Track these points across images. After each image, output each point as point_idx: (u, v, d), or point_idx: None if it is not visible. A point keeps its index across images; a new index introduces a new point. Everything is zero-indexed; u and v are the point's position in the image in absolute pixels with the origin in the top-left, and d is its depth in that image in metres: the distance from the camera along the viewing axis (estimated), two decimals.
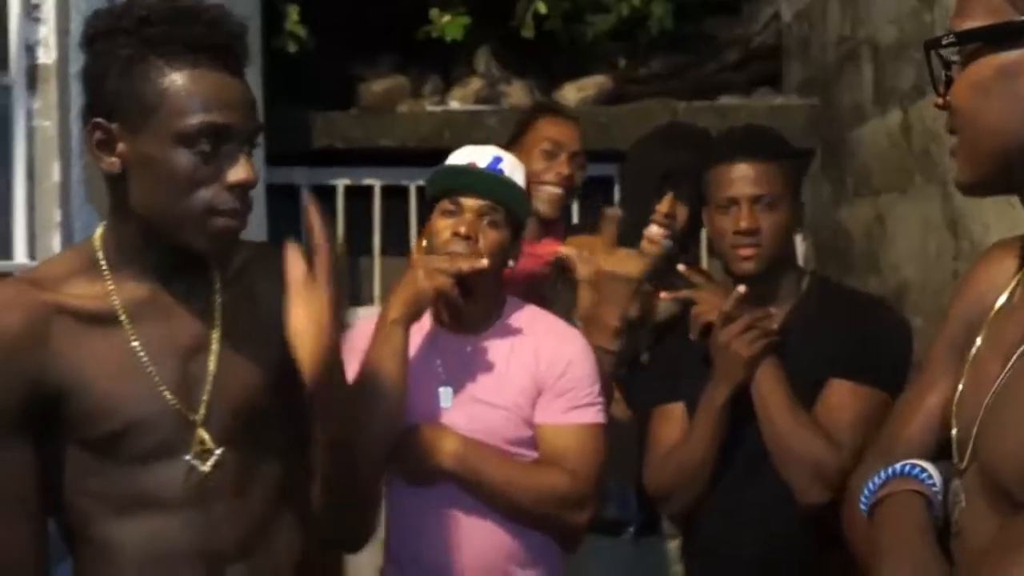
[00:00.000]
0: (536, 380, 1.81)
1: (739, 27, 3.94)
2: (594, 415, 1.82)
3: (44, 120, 1.92)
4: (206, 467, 1.31)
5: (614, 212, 2.04)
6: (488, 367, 1.82)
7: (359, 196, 3.68)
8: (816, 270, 2.73)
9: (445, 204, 1.75)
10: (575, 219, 3.07)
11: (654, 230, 2.08)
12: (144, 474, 1.30)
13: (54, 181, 1.91)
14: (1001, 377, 1.04)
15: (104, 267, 1.30)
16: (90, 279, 1.30)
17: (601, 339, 1.99)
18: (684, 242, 2.20)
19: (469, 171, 1.76)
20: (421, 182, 3.02)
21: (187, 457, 1.30)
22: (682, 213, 2.10)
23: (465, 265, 1.70)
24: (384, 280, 3.61)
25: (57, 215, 1.91)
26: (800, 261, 2.64)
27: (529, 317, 1.88)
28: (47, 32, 1.96)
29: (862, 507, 1.18)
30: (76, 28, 1.94)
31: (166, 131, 1.21)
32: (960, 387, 1.11)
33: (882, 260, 2.97)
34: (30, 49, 1.97)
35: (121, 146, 1.24)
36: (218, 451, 1.31)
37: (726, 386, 1.80)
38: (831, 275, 2.72)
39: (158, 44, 1.21)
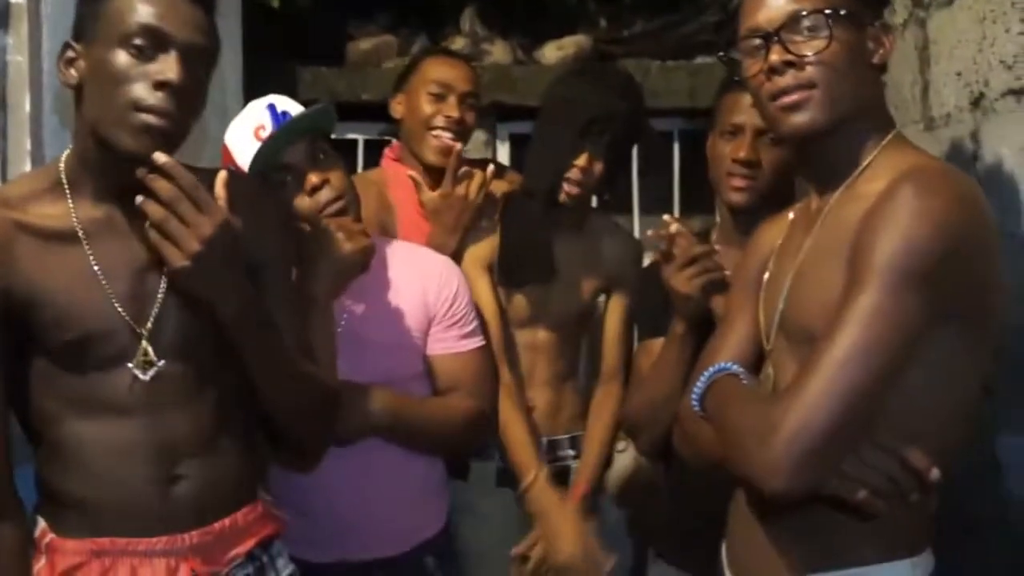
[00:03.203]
0: (427, 312, 1.84)
1: None
2: (480, 339, 1.92)
3: (17, 56, 2.04)
4: (146, 377, 1.42)
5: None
6: (373, 308, 1.82)
7: (342, 150, 3.76)
8: None
9: (289, 183, 1.72)
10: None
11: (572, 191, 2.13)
12: (98, 380, 1.41)
13: (25, 112, 2.04)
14: (791, 271, 1.39)
15: (66, 187, 1.42)
16: (53, 198, 1.41)
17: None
18: (600, 189, 2.23)
19: (281, 138, 1.71)
20: None
21: (130, 366, 1.41)
22: (598, 166, 2.13)
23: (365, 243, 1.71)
24: None
25: (27, 143, 2.04)
26: None
27: (404, 252, 1.91)
28: None
29: (694, 405, 1.46)
30: None
31: (111, 34, 1.34)
32: (761, 302, 1.46)
33: None
34: None
35: (80, 61, 1.37)
36: (160, 363, 1.42)
37: (679, 321, 1.83)
38: None
39: None
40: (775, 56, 1.34)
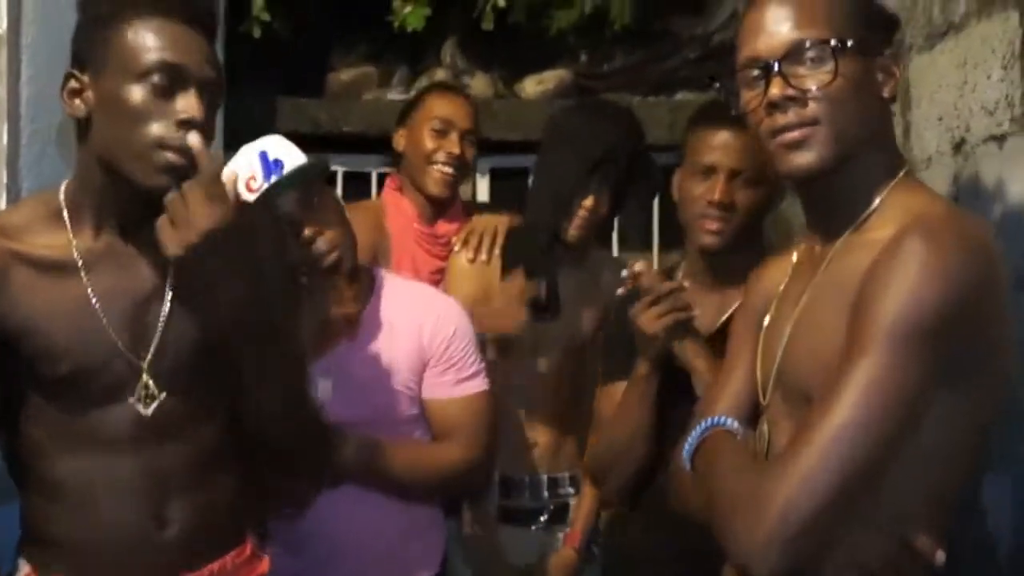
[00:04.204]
0: (422, 355, 1.80)
1: (700, 25, 4.02)
2: (480, 383, 1.86)
3: None
4: (148, 411, 1.39)
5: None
6: (369, 349, 1.79)
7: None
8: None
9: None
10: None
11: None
12: (92, 415, 1.38)
13: (2, 144, 2.01)
14: (791, 320, 1.30)
15: (66, 216, 1.39)
16: (51, 228, 1.39)
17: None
18: (605, 225, 2.24)
19: (271, 193, 1.64)
20: (384, 169, 3.09)
21: (131, 400, 1.38)
22: (604, 206, 2.13)
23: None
24: None
25: (3, 176, 2.01)
26: None
27: (405, 289, 1.87)
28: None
29: (685, 460, 1.38)
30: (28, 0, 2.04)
31: (125, 68, 1.31)
32: (760, 351, 1.37)
33: None
34: None
35: (88, 92, 1.34)
36: (161, 396, 1.39)
37: (644, 362, 1.76)
38: None
39: (131, 3, 1.33)
40: (775, 90, 1.24)
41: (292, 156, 1.64)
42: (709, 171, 1.79)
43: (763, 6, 1.29)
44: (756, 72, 1.27)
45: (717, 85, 1.41)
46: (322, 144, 3.73)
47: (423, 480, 1.81)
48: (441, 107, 2.40)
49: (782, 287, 1.40)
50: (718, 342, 1.83)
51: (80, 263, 1.38)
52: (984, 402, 1.21)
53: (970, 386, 1.17)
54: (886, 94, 1.29)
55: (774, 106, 1.24)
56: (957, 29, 1.99)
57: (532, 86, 3.74)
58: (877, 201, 1.27)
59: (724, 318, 1.87)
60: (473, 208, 2.51)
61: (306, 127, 3.59)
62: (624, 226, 3.69)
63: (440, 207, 2.40)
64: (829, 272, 1.28)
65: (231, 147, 2.18)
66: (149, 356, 1.39)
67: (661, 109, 3.53)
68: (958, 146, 2.02)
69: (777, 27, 1.26)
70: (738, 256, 1.81)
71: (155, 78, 1.30)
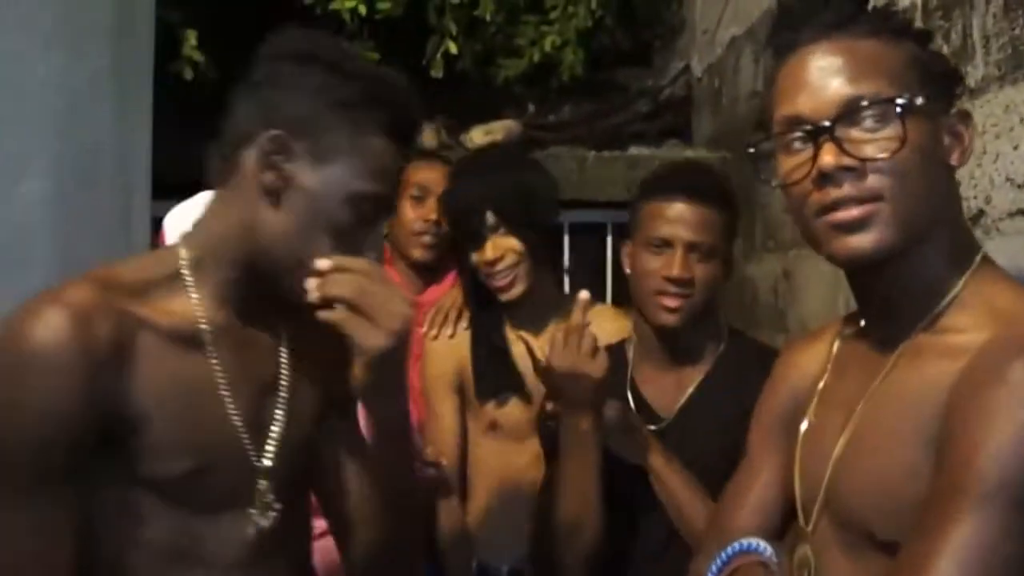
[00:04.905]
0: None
1: (650, 78, 3.93)
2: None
3: None
4: (265, 524, 1.16)
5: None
6: None
7: None
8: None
9: None
10: None
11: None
12: (204, 526, 1.13)
13: None
14: (845, 434, 1.08)
15: (189, 283, 1.15)
16: (171, 293, 1.14)
17: None
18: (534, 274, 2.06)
19: None
20: None
21: (252, 511, 1.16)
22: (511, 251, 2.00)
23: None
24: None
25: None
26: None
27: None
28: None
29: None
30: None
31: (345, 180, 1.14)
32: (797, 460, 1.16)
33: (790, 316, 2.93)
34: None
35: (291, 167, 1.13)
36: (278, 506, 1.17)
37: (582, 417, 1.57)
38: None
39: (362, 106, 1.15)
40: (828, 158, 1.01)
41: None
42: (664, 244, 1.68)
43: (806, 56, 1.06)
44: (799, 135, 1.05)
45: (749, 148, 1.19)
46: None
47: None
48: (419, 173, 2.42)
49: (821, 384, 1.19)
50: (676, 430, 1.72)
51: (207, 336, 1.14)
52: None
53: None
54: (954, 162, 1.07)
55: (826, 178, 1.02)
56: (976, 94, 1.87)
57: (479, 136, 3.57)
58: (952, 294, 1.06)
59: (683, 401, 1.74)
60: None
61: None
62: (574, 288, 3.53)
63: (428, 275, 2.41)
64: (894, 380, 1.07)
65: (161, 193, 1.98)
66: (269, 456, 1.17)
67: (618, 164, 3.39)
68: (975, 219, 1.89)
69: (827, 81, 1.04)
70: (694, 333, 1.72)
71: (366, 209, 1.16)
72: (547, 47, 3.59)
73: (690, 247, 1.66)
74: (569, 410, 1.57)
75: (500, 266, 2.00)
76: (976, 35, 1.86)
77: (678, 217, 1.67)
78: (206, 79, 3.04)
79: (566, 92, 3.78)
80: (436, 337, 2.17)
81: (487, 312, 2.10)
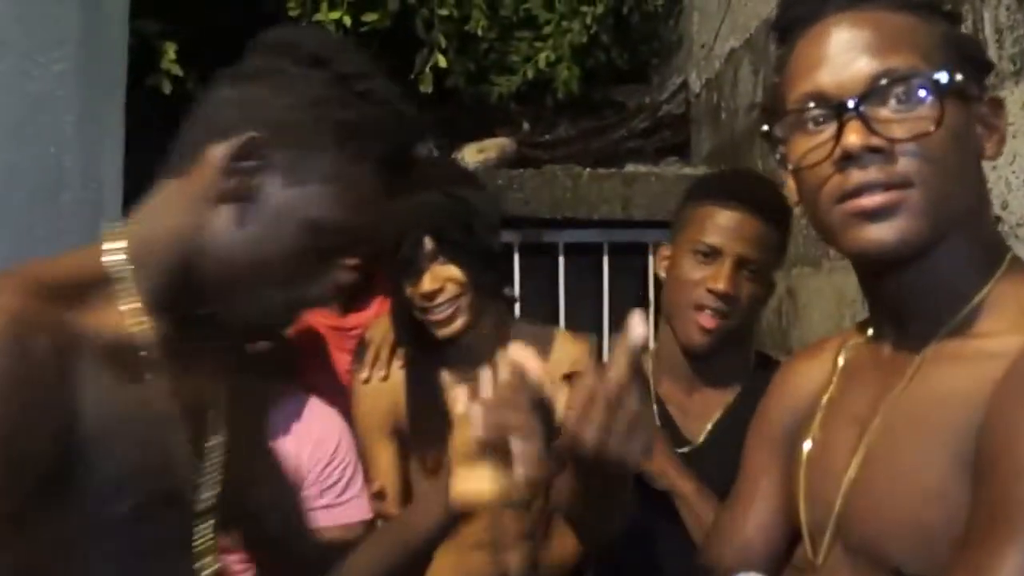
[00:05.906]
0: (298, 473, 1.58)
1: (647, 95, 3.84)
2: (364, 509, 1.71)
3: None
4: (214, 566, 1.04)
5: None
6: None
7: None
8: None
9: None
10: None
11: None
12: (151, 571, 0.99)
13: None
14: (858, 453, 0.99)
15: (125, 287, 0.99)
16: (106, 302, 0.98)
17: None
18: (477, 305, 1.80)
19: None
20: None
21: (197, 551, 1.03)
22: (452, 282, 1.74)
23: None
24: None
25: None
26: None
27: (299, 401, 1.74)
28: None
29: None
30: None
31: (311, 204, 1.00)
32: (802, 483, 1.06)
33: (792, 336, 2.81)
34: None
35: (260, 179, 0.99)
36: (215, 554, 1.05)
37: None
38: None
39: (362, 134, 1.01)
40: (854, 137, 0.91)
41: None
42: (713, 253, 1.55)
43: (829, 29, 0.96)
44: (819, 113, 0.94)
45: (764, 129, 1.07)
46: None
47: None
48: None
49: (826, 397, 1.08)
50: (704, 457, 1.59)
51: (153, 354, 0.98)
52: None
53: None
54: (989, 154, 0.97)
55: (850, 160, 0.92)
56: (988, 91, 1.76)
57: (473, 154, 3.47)
58: (980, 296, 0.96)
59: (710, 427, 1.62)
60: None
61: None
62: (569, 311, 3.41)
63: (351, 296, 2.13)
64: (915, 391, 0.96)
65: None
66: (211, 495, 1.03)
67: (614, 181, 3.28)
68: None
69: (853, 54, 0.93)
70: (722, 356, 1.58)
71: (326, 237, 1.02)
72: (541, 64, 3.50)
73: (741, 262, 1.54)
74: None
75: (439, 299, 1.73)
76: (988, 28, 1.75)
77: (734, 226, 1.54)
78: (186, 93, 2.93)
79: (561, 109, 3.70)
80: (368, 381, 1.89)
81: (421, 349, 1.84)
